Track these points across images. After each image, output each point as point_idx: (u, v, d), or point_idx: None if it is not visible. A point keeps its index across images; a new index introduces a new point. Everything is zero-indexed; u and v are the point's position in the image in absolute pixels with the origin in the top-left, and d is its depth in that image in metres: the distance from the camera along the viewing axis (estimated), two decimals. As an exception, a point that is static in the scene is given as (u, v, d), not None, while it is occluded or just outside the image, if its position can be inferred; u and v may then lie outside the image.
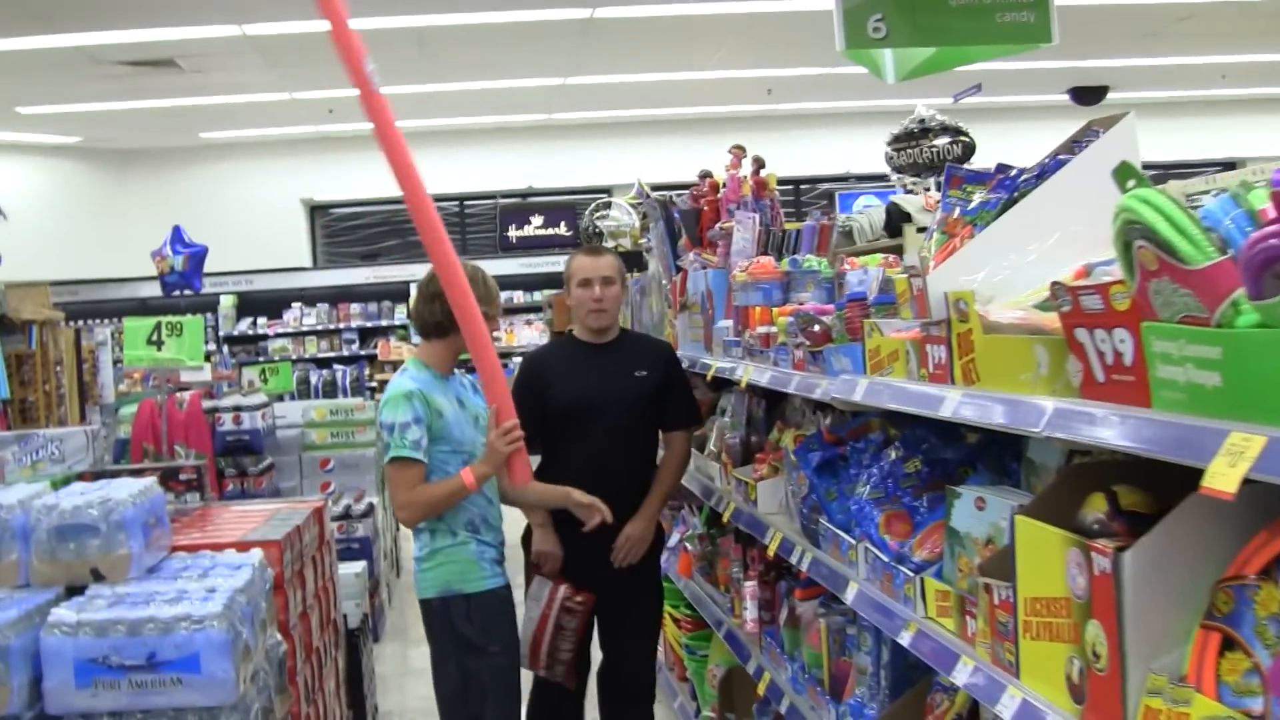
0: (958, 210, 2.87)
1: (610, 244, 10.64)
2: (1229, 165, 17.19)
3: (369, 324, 18.91)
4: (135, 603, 3.42)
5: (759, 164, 5.66)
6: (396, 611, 9.24)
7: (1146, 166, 2.36)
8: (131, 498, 3.72)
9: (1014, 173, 2.87)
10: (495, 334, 4.69)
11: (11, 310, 8.31)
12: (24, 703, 3.25)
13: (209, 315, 17.96)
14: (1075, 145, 2.88)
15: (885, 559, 3.16)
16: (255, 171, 18.91)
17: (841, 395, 3.32)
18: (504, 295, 18.13)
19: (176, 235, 14.49)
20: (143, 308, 16.36)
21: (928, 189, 7.94)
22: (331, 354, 18.67)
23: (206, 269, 14.84)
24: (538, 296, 18.14)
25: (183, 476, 5.22)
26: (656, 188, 10.36)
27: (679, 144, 17.84)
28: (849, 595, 3.36)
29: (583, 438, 5.00)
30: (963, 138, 8.31)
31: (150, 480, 4.04)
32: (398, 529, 10.20)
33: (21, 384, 8.87)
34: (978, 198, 2.85)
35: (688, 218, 5.94)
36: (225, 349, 18.20)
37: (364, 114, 4.13)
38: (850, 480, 3.63)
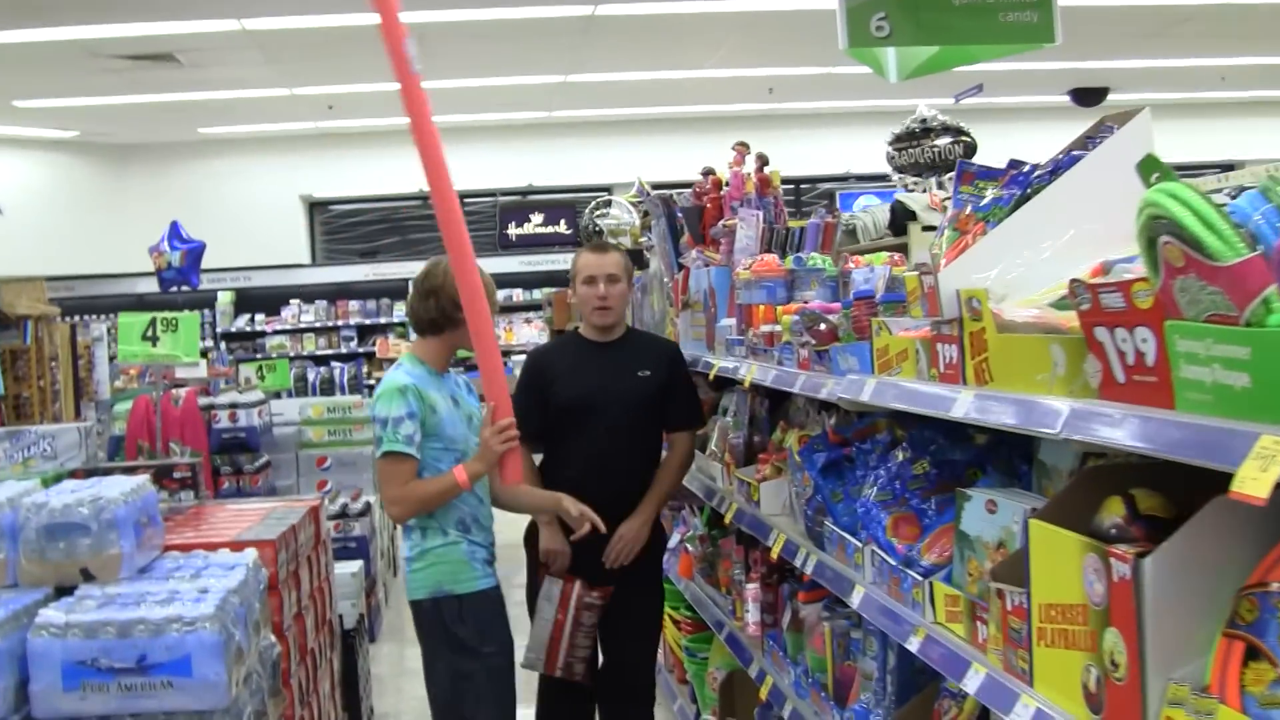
0: (969, 206, 2.81)
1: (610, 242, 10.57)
2: (1227, 167, 17.12)
3: (367, 321, 18.85)
4: (125, 604, 3.35)
5: (763, 161, 5.60)
6: (393, 611, 9.16)
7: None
8: (123, 496, 3.65)
9: (1027, 168, 2.80)
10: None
11: (6, 305, 8.25)
12: (9, 706, 3.17)
13: (206, 311, 17.91)
14: (1089, 141, 2.82)
15: (893, 562, 3.10)
16: (254, 167, 18.86)
17: (849, 395, 3.26)
18: (503, 293, 18.21)
19: (174, 231, 14.37)
20: (140, 303, 16.31)
21: (928, 189, 7.88)
22: (329, 351, 18.62)
23: (204, 265, 14.71)
24: (537, 294, 18.11)
25: (177, 474, 5.14)
26: (657, 186, 10.29)
27: (679, 143, 17.78)
28: (855, 599, 3.30)
29: (584, 436, 4.95)
30: (964, 138, 8.24)
31: (143, 478, 3.97)
32: (395, 528, 10.14)
33: (16, 380, 8.81)
34: (990, 194, 2.79)
35: (690, 215, 5.89)
36: (223, 345, 18.12)
37: (401, 94, 4.08)
38: (856, 482, 3.56)
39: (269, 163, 18.87)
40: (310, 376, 16.58)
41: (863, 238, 7.04)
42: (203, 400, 8.13)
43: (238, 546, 4.06)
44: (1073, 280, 2.02)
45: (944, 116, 8.39)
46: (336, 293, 18.96)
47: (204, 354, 14.85)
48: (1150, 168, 1.79)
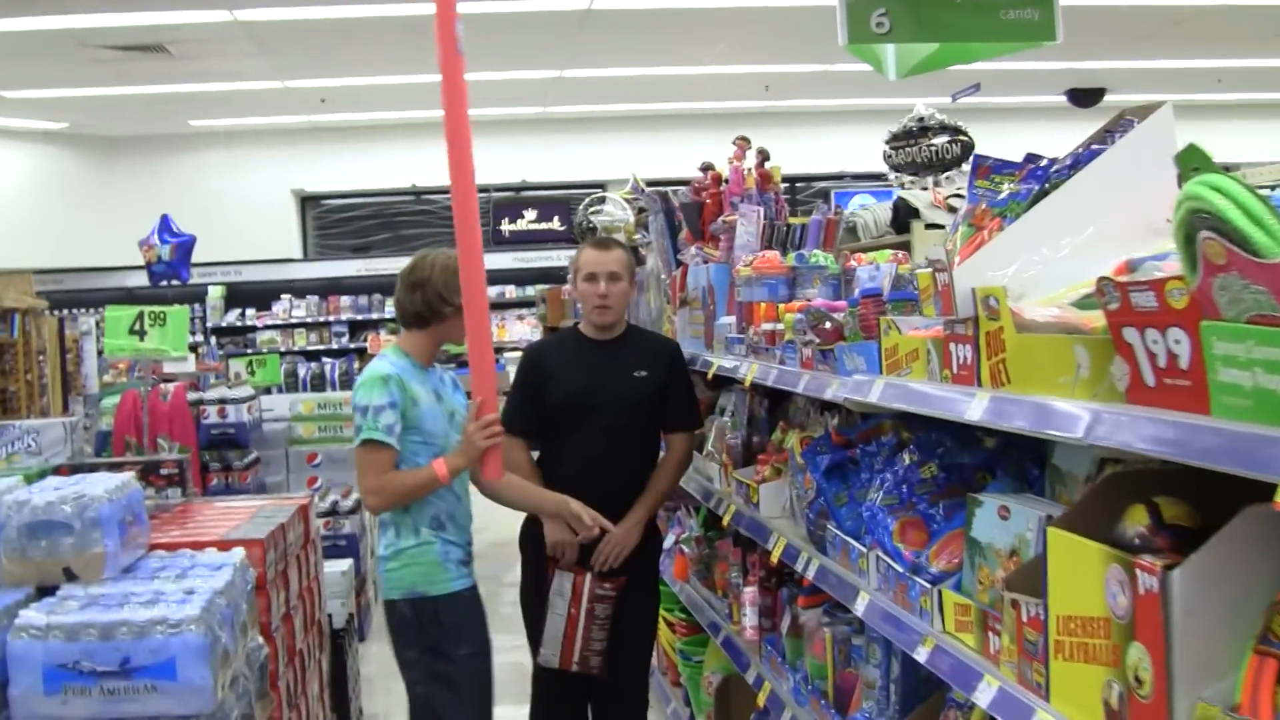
0: (985, 201, 2.72)
1: (604, 239, 10.51)
2: (1224, 169, 17.08)
3: (359, 317, 18.77)
4: (109, 605, 3.26)
5: (763, 156, 5.51)
6: (383, 610, 9.06)
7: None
8: (108, 493, 3.56)
9: (1045, 162, 2.71)
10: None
11: (-7, 297, 8.16)
12: (-11, 709, 3.09)
13: (197, 306, 17.85)
14: (1109, 135, 2.73)
15: (900, 569, 3.01)
16: (245, 161, 18.77)
17: (856, 397, 3.17)
18: (496, 289, 18.16)
19: (164, 224, 14.33)
20: (129, 297, 16.13)
21: (925, 188, 7.83)
22: (320, 347, 18.55)
23: (195, 259, 14.69)
24: (530, 291, 18.04)
25: (164, 471, 5.05)
26: (651, 183, 10.23)
27: (675, 139, 17.71)
28: (859, 606, 3.20)
29: (580, 435, 4.86)
30: (962, 137, 8.18)
31: (128, 475, 3.89)
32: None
33: (3, 374, 8.72)
34: (1007, 189, 2.69)
35: (689, 211, 5.80)
36: (213, 340, 18.05)
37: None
38: (860, 485, 3.47)
39: (261, 156, 18.78)
40: (301, 372, 16.49)
41: (864, 235, 6.96)
42: (191, 395, 8.03)
43: (225, 545, 3.99)
44: (1101, 278, 1.93)
45: (941, 115, 8.34)
46: (328, 288, 18.88)
47: (194, 349, 14.80)
48: (1190, 159, 1.70)
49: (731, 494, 4.80)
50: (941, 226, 6.29)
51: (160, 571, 3.64)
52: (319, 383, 16.20)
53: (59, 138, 17.95)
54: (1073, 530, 2.20)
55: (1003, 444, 3.05)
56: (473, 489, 4.60)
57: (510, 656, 5.67)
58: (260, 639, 4.00)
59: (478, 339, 4.21)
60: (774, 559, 4.07)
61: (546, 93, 16.39)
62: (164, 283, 14.47)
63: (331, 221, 20.16)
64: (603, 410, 4.85)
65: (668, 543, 6.06)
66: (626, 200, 10.90)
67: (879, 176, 11.13)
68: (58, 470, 4.65)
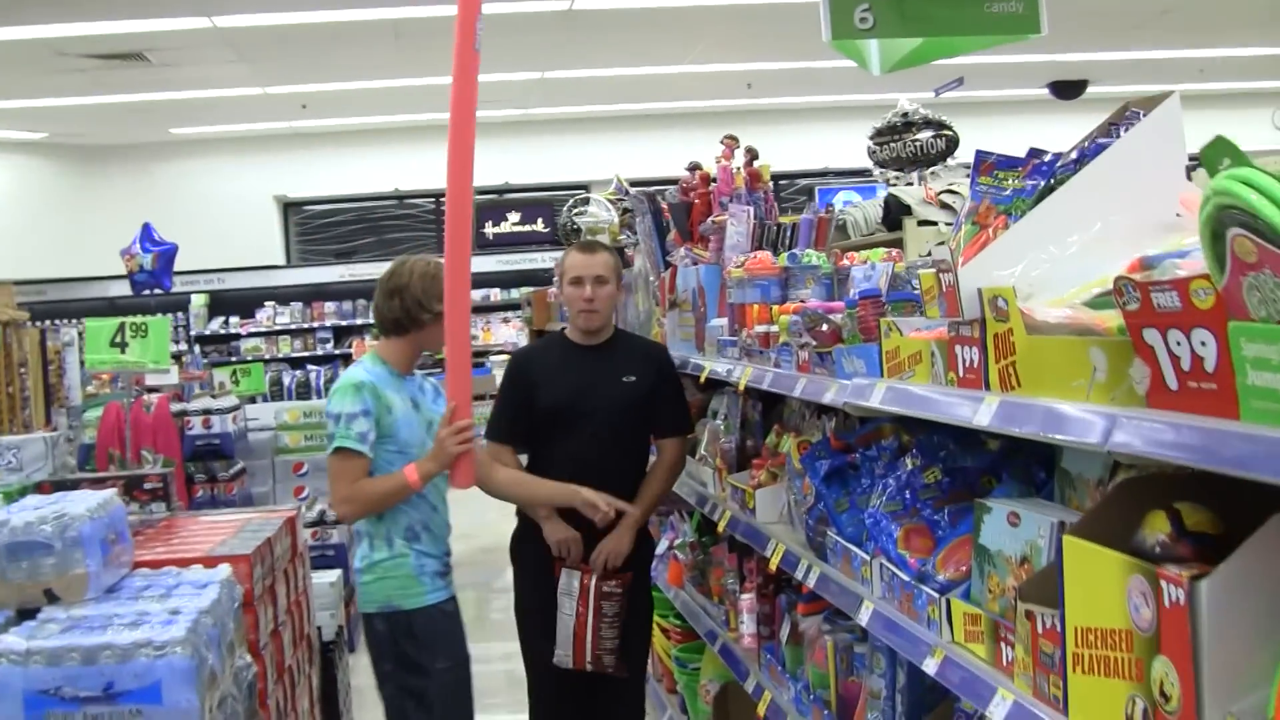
0: (989, 199, 2.63)
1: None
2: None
3: (343, 323, 18.68)
4: (91, 627, 3.17)
5: (752, 155, 5.44)
6: (373, 619, 8.97)
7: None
8: (89, 512, 3.48)
9: (1049, 158, 2.63)
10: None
11: (-28, 311, 8.04)
12: (-33, 739, 3.00)
13: (180, 314, 17.75)
14: (1113, 128, 2.65)
15: (905, 577, 2.92)
16: (227, 168, 18.66)
17: (857, 401, 3.08)
18: (481, 292, 18.05)
19: (146, 233, 14.21)
20: (112, 307, 16.07)
21: (910, 183, 7.79)
22: (305, 353, 18.44)
23: (177, 267, 14.59)
24: (515, 294, 17.96)
25: (148, 485, 4.96)
26: (635, 183, 10.17)
27: (658, 139, 17.67)
28: (863, 615, 3.12)
29: (569, 441, 4.79)
30: (946, 132, 8.16)
31: (110, 492, 3.80)
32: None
33: (-17, 387, 8.58)
34: (1011, 185, 2.61)
35: (677, 211, 5.72)
36: (197, 349, 17.94)
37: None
38: (862, 490, 3.39)
39: (242, 163, 18.68)
40: (286, 380, 16.41)
41: (854, 233, 6.90)
42: (175, 406, 7.94)
43: (211, 562, 3.90)
44: (1119, 277, 1.85)
45: (925, 110, 8.32)
46: (312, 294, 18.78)
47: (178, 358, 14.70)
48: (1218, 152, 1.62)
49: (726, 499, 4.72)
50: (934, 223, 6.22)
51: (144, 591, 3.55)
52: (304, 390, 16.12)
53: (39, 148, 17.81)
54: (1088, 538, 2.11)
55: (1007, 447, 2.98)
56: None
57: (502, 665, 5.60)
58: (248, 657, 3.91)
59: (457, 343, 4.15)
60: (773, 566, 3.99)
61: (529, 94, 16.30)
62: (146, 292, 14.37)
63: (314, 227, 20.06)
64: (592, 416, 4.79)
65: (661, 548, 5.98)
66: (610, 201, 10.86)
67: (863, 173, 11.10)
68: (39, 487, 4.57)
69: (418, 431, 4.37)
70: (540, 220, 18.66)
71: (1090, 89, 17.48)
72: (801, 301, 4.10)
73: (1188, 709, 1.84)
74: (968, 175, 7.42)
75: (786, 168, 18.59)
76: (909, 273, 3.70)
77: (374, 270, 18.20)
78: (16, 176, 17.83)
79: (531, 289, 13.81)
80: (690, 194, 5.70)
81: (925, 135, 8.08)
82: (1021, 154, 2.78)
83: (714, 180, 5.51)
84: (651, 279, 6.18)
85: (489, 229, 18.75)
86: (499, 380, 5.15)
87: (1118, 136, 2.60)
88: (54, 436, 5.35)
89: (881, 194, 7.76)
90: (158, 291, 14.45)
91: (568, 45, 13.54)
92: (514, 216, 18.89)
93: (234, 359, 17.15)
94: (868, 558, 3.16)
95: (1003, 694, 2.38)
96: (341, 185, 19.06)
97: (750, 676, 4.43)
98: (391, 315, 4.40)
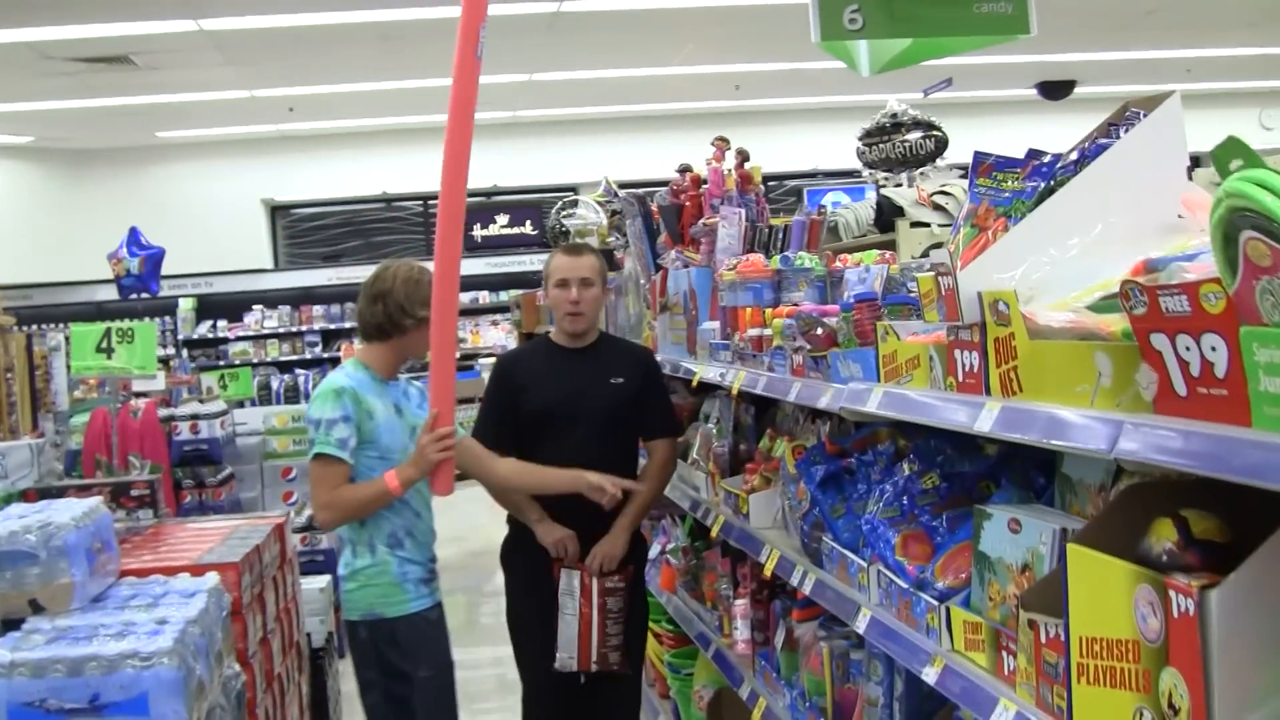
0: (988, 201, 2.60)
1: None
2: (1195, 161, 17.08)
3: (332, 326, 18.60)
4: (77, 638, 3.12)
5: (743, 156, 5.40)
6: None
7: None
8: (74, 521, 3.42)
9: (1049, 159, 2.59)
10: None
11: (-42, 316, 7.97)
12: (-49, 754, 2.95)
13: (167, 319, 17.68)
14: (1113, 128, 2.62)
15: (904, 585, 2.88)
16: (214, 171, 18.58)
17: (854, 406, 3.04)
18: (469, 295, 17.99)
19: (133, 237, 14.13)
20: (99, 312, 15.97)
21: (900, 184, 7.76)
22: (294, 357, 18.35)
23: (165, 271, 14.51)
24: (503, 296, 17.93)
25: (135, 492, 4.92)
26: (624, 185, 10.14)
27: (646, 141, 17.64)
28: (861, 623, 3.08)
29: (557, 445, 4.77)
30: (935, 132, 8.13)
31: (96, 500, 3.74)
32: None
33: (-31, 393, 8.52)
34: (1010, 187, 2.57)
35: (668, 214, 5.68)
36: (184, 353, 17.86)
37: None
38: (858, 496, 3.35)
39: (229, 166, 18.60)
40: (274, 384, 16.32)
41: (845, 235, 6.86)
42: (163, 411, 7.86)
43: (198, 570, 3.84)
44: (1125, 281, 1.81)
45: (914, 111, 8.28)
46: (300, 297, 18.69)
47: (165, 362, 14.62)
48: (1230, 153, 1.58)
49: (719, 504, 4.68)
50: (927, 224, 6.19)
51: (131, 600, 3.49)
52: (292, 394, 16.03)
53: (24, 152, 17.73)
54: (1092, 546, 2.08)
55: (1006, 452, 2.94)
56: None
57: (493, 670, 5.56)
58: (237, 666, 3.86)
59: (440, 350, 4.12)
60: (767, 572, 3.95)
61: (516, 97, 16.26)
62: (134, 296, 14.29)
63: (302, 230, 20.00)
64: (580, 419, 4.77)
65: (653, 553, 5.94)
66: (599, 203, 10.83)
67: (852, 174, 11.07)
68: (24, 495, 4.51)
69: (400, 437, 4.33)
70: (529, 223, 18.60)
71: (1078, 89, 17.51)
72: (794, 304, 4.07)
73: (1198, 721, 1.81)
74: (959, 176, 7.41)
75: (776, 169, 18.58)
76: (904, 275, 3.67)
77: (362, 273, 18.05)
78: (2, 181, 17.74)
79: (520, 292, 13.76)
80: (681, 196, 5.65)
81: (914, 136, 8.04)
82: (1011, 154, 2.74)
83: (705, 182, 5.48)
84: (642, 282, 6.14)
85: (477, 232, 18.69)
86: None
87: (1118, 137, 2.56)
88: (40, 443, 5.30)
89: (871, 195, 7.73)
90: (145, 295, 14.37)
91: (555, 47, 13.50)
92: (502, 219, 18.83)
93: (222, 363, 17.07)
94: (865, 564, 3.12)
95: (1005, 704, 2.34)
96: (329, 188, 19.01)
97: (745, 683, 4.40)
98: (374, 320, 4.36)
